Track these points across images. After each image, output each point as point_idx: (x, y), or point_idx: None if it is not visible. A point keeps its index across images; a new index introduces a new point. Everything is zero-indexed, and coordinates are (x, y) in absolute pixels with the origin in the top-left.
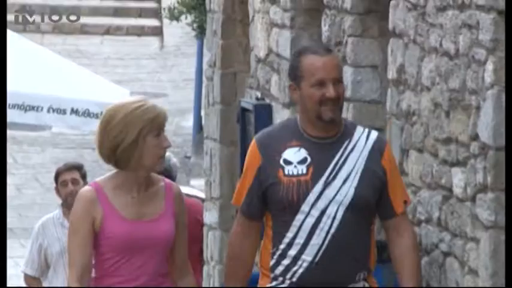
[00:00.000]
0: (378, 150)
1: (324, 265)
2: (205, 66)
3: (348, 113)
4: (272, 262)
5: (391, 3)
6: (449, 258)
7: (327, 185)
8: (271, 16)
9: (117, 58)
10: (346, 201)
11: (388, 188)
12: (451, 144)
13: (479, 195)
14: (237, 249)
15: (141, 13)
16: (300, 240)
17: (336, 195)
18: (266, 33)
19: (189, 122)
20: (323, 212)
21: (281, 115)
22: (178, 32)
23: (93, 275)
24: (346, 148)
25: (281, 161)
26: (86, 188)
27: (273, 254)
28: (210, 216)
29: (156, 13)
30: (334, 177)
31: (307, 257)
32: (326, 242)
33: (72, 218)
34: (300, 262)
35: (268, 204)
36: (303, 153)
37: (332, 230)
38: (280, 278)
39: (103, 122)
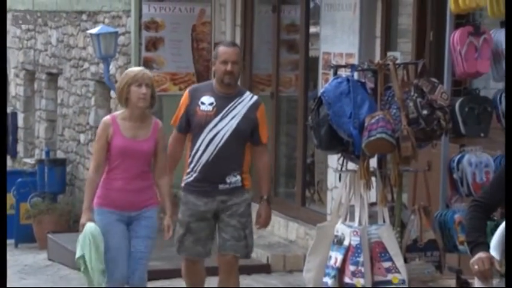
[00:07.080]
0: (255, 106)
1: (213, 164)
2: None
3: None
4: (189, 160)
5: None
6: None
7: (222, 118)
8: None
9: None
10: (230, 129)
11: (259, 127)
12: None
13: None
14: (172, 149)
15: None
16: (202, 148)
17: (225, 125)
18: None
19: None
20: (217, 133)
21: (20, 116)
22: None
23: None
24: (237, 101)
25: (199, 102)
26: (107, 116)
27: (190, 155)
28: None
29: None
30: (227, 115)
31: (205, 158)
32: (216, 150)
33: (97, 132)
34: (200, 161)
35: (190, 126)
36: (211, 99)
37: (220, 144)
38: (191, 172)
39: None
